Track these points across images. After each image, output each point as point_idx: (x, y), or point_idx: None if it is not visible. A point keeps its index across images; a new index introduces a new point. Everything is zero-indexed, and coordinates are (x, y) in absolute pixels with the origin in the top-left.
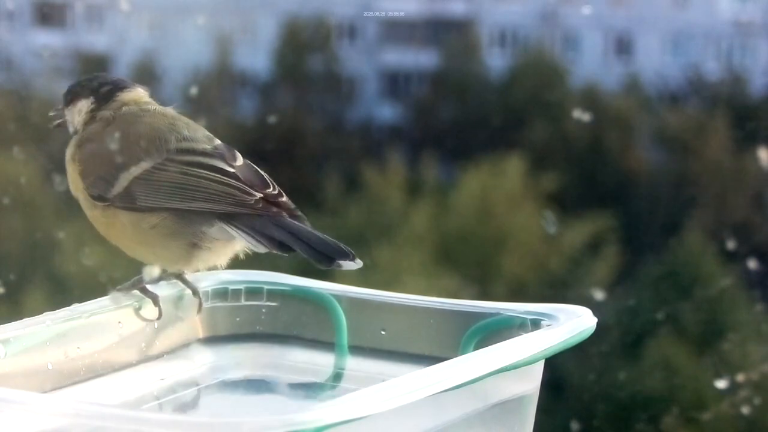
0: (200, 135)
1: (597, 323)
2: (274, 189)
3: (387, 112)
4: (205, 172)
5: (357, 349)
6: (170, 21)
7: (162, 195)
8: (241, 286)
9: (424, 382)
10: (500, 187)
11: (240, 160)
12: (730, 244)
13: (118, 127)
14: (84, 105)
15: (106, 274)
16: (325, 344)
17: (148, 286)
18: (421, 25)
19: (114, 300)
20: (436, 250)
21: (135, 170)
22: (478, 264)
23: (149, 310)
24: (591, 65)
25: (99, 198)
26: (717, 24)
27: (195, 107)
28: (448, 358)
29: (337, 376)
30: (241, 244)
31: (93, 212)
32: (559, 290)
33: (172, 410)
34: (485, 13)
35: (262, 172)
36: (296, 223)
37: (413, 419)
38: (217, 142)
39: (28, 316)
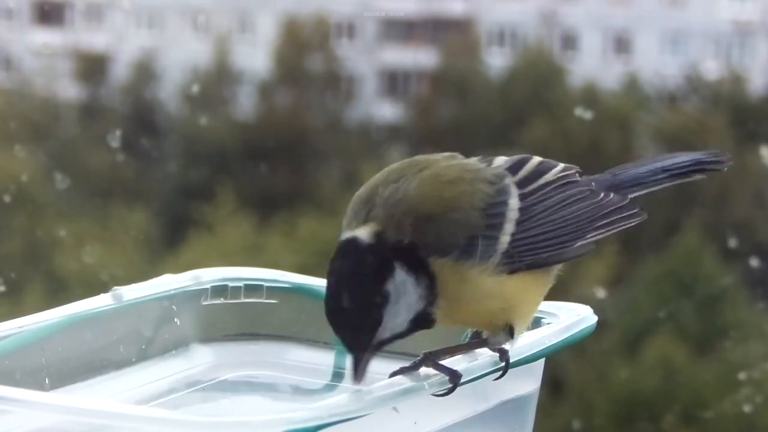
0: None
1: (597, 322)
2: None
3: (386, 111)
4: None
5: None
6: (169, 20)
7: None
8: (241, 284)
9: (423, 381)
10: None
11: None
12: (731, 243)
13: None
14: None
15: (107, 272)
16: (325, 343)
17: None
18: (420, 24)
19: (114, 298)
20: None
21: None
22: None
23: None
24: (590, 64)
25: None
26: (716, 23)
27: (195, 106)
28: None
29: (337, 375)
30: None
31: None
32: (559, 288)
33: (172, 409)
34: (484, 12)
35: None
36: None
37: (413, 418)
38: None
39: (29, 314)
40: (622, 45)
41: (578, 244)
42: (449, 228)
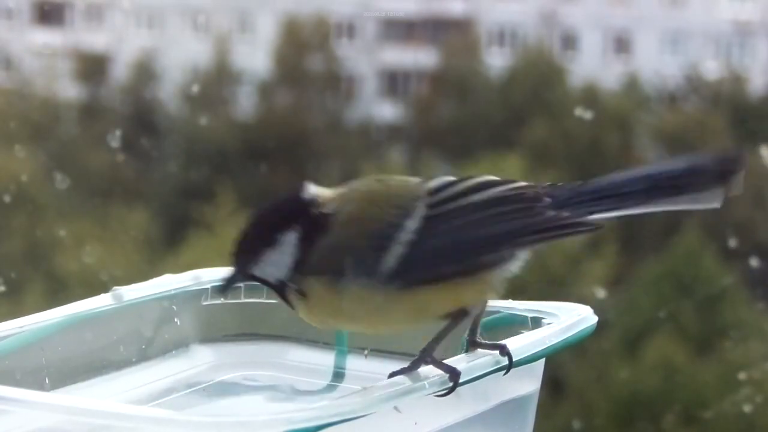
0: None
1: (597, 322)
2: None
3: (386, 111)
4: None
5: (357, 349)
6: (169, 20)
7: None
8: (241, 284)
9: (423, 380)
10: None
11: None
12: (731, 243)
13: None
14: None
15: (107, 272)
16: (325, 343)
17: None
18: (420, 24)
19: (114, 298)
20: None
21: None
22: None
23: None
24: (590, 64)
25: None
26: (716, 23)
27: (195, 106)
28: (449, 357)
29: (337, 376)
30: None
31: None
32: (559, 289)
33: (172, 409)
34: (484, 12)
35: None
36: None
37: (413, 418)
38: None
39: (29, 314)
40: (622, 45)
41: (489, 257)
42: (329, 252)
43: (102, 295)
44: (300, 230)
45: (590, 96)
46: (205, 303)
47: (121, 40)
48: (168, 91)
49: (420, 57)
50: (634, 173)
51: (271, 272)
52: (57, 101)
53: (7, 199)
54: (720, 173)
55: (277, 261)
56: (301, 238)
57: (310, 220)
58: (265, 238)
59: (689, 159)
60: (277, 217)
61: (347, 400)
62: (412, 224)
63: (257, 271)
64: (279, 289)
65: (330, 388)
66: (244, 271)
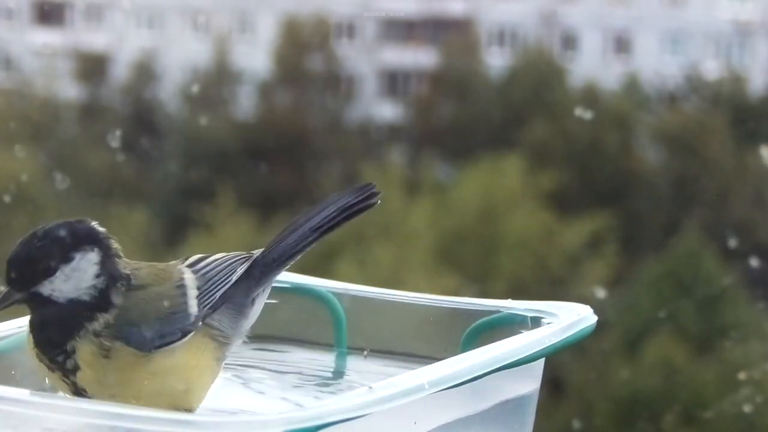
0: None
1: (597, 322)
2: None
3: (386, 111)
4: None
5: (357, 348)
6: (169, 20)
7: None
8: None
9: (424, 380)
10: (500, 186)
11: None
12: (731, 243)
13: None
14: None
15: None
16: (325, 342)
17: None
18: (420, 25)
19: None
20: (435, 248)
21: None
22: (478, 262)
23: None
24: (590, 64)
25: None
26: (716, 23)
27: (195, 106)
28: (449, 357)
29: (337, 375)
30: None
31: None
32: (559, 288)
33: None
34: (484, 12)
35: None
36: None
37: (413, 418)
38: None
39: (29, 314)
40: (622, 45)
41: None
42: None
43: None
44: (100, 254)
45: (590, 96)
46: None
47: (121, 40)
48: (168, 91)
49: (420, 57)
50: (302, 229)
51: (66, 290)
52: (57, 101)
53: (7, 199)
54: (363, 201)
55: (75, 278)
56: (102, 263)
57: (109, 249)
58: (58, 254)
59: (337, 200)
60: (72, 235)
61: (347, 400)
62: (190, 277)
63: (46, 291)
64: (63, 313)
65: (330, 387)
66: (24, 288)
